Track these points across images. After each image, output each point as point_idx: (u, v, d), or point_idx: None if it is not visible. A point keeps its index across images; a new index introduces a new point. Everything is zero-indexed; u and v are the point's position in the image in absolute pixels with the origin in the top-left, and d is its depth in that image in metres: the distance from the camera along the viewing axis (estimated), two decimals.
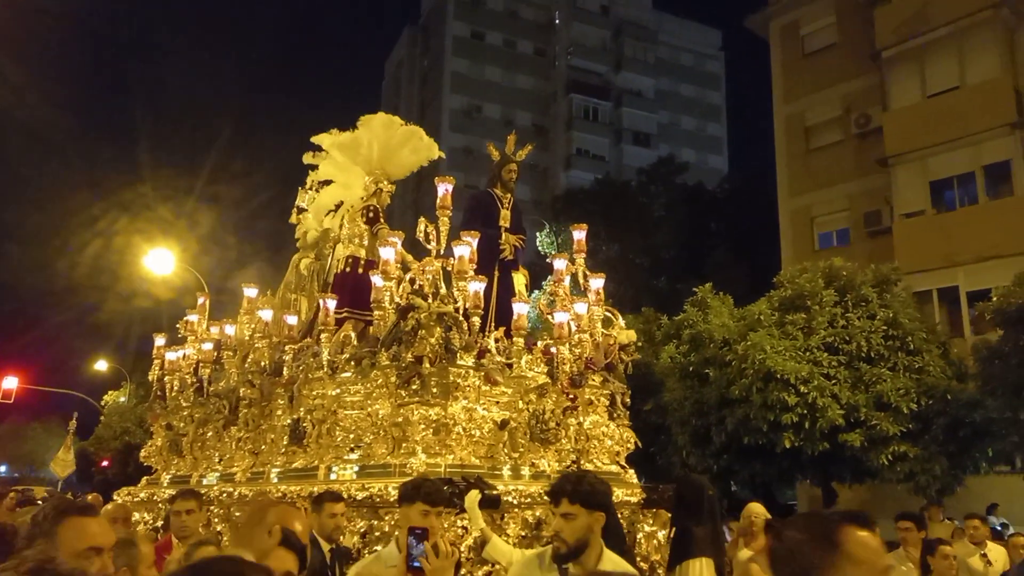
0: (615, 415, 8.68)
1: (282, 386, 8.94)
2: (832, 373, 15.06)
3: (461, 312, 7.96)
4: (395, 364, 7.84)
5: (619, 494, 7.86)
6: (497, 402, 8.14)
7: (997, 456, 16.08)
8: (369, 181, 9.71)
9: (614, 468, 8.62)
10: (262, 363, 9.47)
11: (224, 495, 9.06)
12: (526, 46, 50.41)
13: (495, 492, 7.16)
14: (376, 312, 8.24)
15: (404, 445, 7.69)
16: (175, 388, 10.72)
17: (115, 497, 10.76)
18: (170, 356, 10.80)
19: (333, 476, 8.18)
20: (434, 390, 7.71)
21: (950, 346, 17.12)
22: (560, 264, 8.93)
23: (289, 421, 8.65)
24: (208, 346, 10.23)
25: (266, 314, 9.44)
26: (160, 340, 11.26)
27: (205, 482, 9.98)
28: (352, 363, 8.34)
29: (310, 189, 11.09)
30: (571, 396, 8.37)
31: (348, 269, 9.41)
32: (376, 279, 8.27)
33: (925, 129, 22.60)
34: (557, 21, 52.76)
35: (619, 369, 8.68)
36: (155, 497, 10.25)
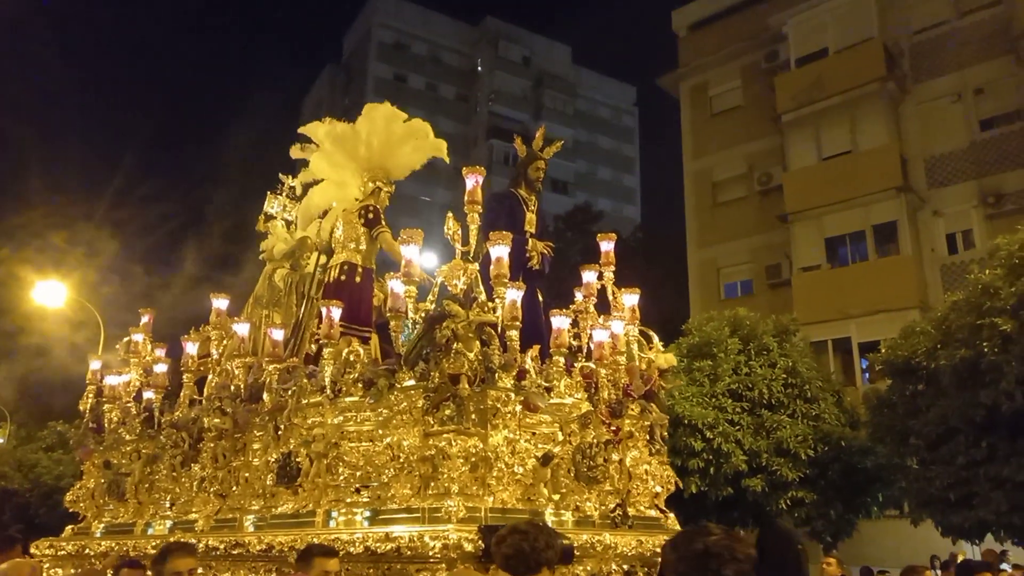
0: (654, 450, 6.96)
1: (265, 414, 6.84)
2: (736, 419, 14.24)
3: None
4: (422, 385, 5.93)
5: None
6: (533, 432, 6.32)
7: (887, 501, 15.56)
8: (366, 179, 7.81)
9: (653, 513, 6.89)
10: (232, 387, 7.32)
11: None
12: (448, 91, 48.70)
13: (567, 542, 5.34)
14: (392, 323, 6.34)
15: (433, 484, 5.76)
16: (115, 419, 8.36)
17: (31, 550, 8.26)
18: (111, 381, 8.44)
19: (333, 523, 6.19)
20: (473, 416, 5.85)
21: (844, 394, 16.54)
22: (590, 276, 7.24)
23: (276, 457, 6.56)
24: (161, 368, 7.99)
25: (242, 329, 7.33)
26: (96, 363, 8.87)
27: (151, 531, 7.69)
28: (360, 385, 6.35)
29: (280, 194, 9.09)
30: (613, 428, 6.63)
31: (344, 277, 7.44)
32: (395, 284, 6.38)
33: (820, 189, 22.28)
34: (479, 68, 51.29)
35: (660, 397, 6.98)
36: (86, 550, 7.86)
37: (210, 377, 7.97)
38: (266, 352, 6.91)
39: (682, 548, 2.40)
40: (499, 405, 5.99)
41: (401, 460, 5.93)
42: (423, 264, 6.73)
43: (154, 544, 7.17)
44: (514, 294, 6.29)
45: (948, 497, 11.81)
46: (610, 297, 7.34)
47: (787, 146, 23.14)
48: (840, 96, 22.42)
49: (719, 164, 24.69)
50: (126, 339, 8.58)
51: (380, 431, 6.23)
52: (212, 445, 7.20)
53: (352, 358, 6.53)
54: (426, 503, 5.74)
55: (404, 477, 5.93)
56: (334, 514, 6.25)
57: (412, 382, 6.04)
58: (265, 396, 6.99)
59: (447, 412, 5.81)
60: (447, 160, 8.14)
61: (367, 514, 6.03)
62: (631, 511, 6.62)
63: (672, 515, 6.99)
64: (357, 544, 5.63)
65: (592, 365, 6.82)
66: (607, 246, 7.42)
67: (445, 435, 5.73)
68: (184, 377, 7.71)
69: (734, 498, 14.12)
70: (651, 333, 7.27)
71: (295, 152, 8.38)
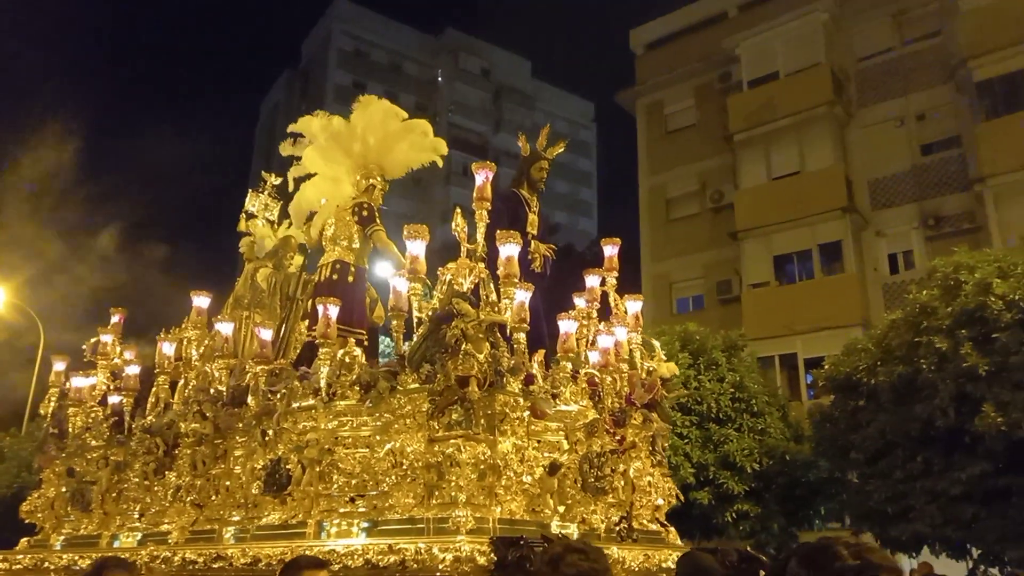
0: (656, 461, 6.59)
1: (251, 418, 6.29)
2: (685, 433, 14.09)
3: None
4: (428, 387, 5.48)
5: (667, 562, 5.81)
6: (538, 440, 5.90)
7: (828, 514, 15.65)
8: (361, 176, 7.31)
9: (654, 527, 6.52)
10: (212, 390, 6.73)
11: (157, 561, 6.25)
12: (408, 100, 47.30)
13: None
14: (395, 322, 5.87)
15: (437, 493, 5.30)
16: (79, 424, 7.67)
17: None
18: (79, 383, 7.75)
19: (324, 535, 5.68)
20: (481, 422, 5.41)
21: (789, 409, 16.58)
22: (593, 281, 6.87)
23: (263, 464, 6.02)
24: (134, 370, 7.35)
25: (226, 328, 6.75)
26: (60, 364, 8.14)
27: (118, 544, 7.05)
28: (356, 388, 5.86)
29: (262, 192, 8.52)
30: (618, 437, 6.25)
31: (336, 277, 6.92)
32: (397, 281, 5.92)
33: (770, 208, 22.38)
34: (440, 79, 50.19)
35: (663, 407, 6.62)
36: (45, 564, 7.17)
37: (182, 380, 7.36)
38: (253, 353, 6.35)
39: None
40: (507, 410, 5.57)
41: (404, 467, 5.46)
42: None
43: (130, 558, 6.55)
44: (523, 295, 5.89)
45: (886, 510, 11.84)
46: (612, 303, 6.98)
47: (739, 165, 23.22)
48: (789, 118, 22.60)
49: (673, 181, 24.66)
50: (93, 340, 7.91)
51: (378, 437, 5.75)
52: (189, 451, 6.61)
53: (348, 359, 6.03)
54: (431, 513, 5.28)
55: (406, 485, 5.46)
56: (326, 525, 5.75)
57: (416, 385, 5.59)
58: (250, 399, 6.45)
59: (454, 416, 5.37)
60: (439, 164, 7.66)
61: (365, 525, 5.54)
62: (636, 524, 6.25)
63: (673, 529, 6.63)
64: (356, 557, 5.14)
65: (595, 372, 6.44)
66: (611, 251, 7.06)
67: (453, 441, 5.28)
68: (159, 379, 7.09)
69: (681, 510, 13.88)
70: (653, 342, 6.93)
71: (285, 149, 7.84)
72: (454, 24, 47.92)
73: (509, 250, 5.87)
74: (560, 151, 7.53)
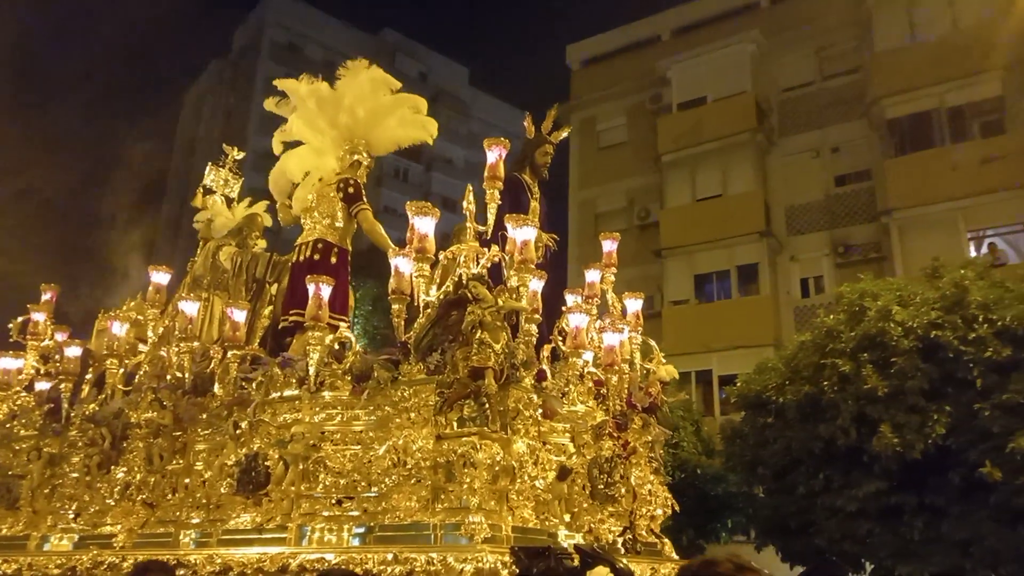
0: (653, 469, 6.05)
1: (219, 409, 5.44)
2: None
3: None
4: (437, 379, 4.78)
5: None
6: (544, 442, 5.28)
7: (736, 527, 15.55)
8: (347, 150, 6.53)
9: (651, 538, 5.97)
10: (169, 377, 5.83)
11: (102, 567, 5.33)
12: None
13: (625, 567, 4.30)
14: (395, 306, 5.14)
15: (443, 497, 4.61)
16: (5, 411, 6.57)
17: None
18: (4, 365, 6.65)
19: (306, 541, 4.90)
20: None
21: (702, 424, 16.63)
22: (593, 276, 6.29)
23: (235, 460, 5.18)
24: (75, 352, 6.34)
25: (190, 307, 5.85)
26: None
27: (49, 547, 6.03)
28: (349, 378, 5.10)
29: (223, 167, 7.62)
30: (622, 441, 5.68)
31: (317, 257, 6.10)
32: (399, 262, 5.19)
33: (693, 228, 22.35)
34: None
35: (664, 411, 6.09)
36: None
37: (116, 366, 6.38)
38: (212, 337, 5.50)
39: None
40: (521, 408, 4.93)
41: (407, 467, 4.74)
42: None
43: (57, 562, 5.58)
44: (537, 284, 5.27)
45: (789, 524, 11.82)
46: (609, 301, 6.42)
47: (665, 185, 23.17)
48: (715, 142, 22.65)
49: (603, 196, 24.43)
50: (21, 319, 6.85)
51: (373, 432, 5.01)
52: (142, 444, 5.69)
53: (338, 346, 5.27)
54: (436, 519, 4.58)
55: (409, 487, 4.74)
56: (307, 530, 4.97)
57: (423, 376, 4.89)
58: (217, 388, 5.59)
59: (466, 412, 4.69)
60: (431, 143, 6.93)
61: (359, 530, 4.79)
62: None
63: (668, 541, 6.08)
64: (355, 566, 4.40)
65: (597, 372, 5.86)
66: (610, 246, 6.51)
67: (467, 439, 4.60)
68: (108, 363, 6.12)
69: None
70: (652, 343, 6.39)
71: (269, 105, 6.97)
72: (392, 25, 46.19)
73: (525, 234, 5.25)
74: (565, 135, 6.94)
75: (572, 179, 24.84)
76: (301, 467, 4.99)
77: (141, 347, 6.87)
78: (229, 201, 7.85)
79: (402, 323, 5.15)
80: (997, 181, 19.42)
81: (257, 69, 42.33)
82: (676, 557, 6.01)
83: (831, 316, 12.04)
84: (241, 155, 7.88)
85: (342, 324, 5.27)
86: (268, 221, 7.46)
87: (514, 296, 4.99)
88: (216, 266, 6.98)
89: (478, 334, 4.76)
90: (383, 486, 4.82)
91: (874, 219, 21.25)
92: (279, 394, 5.24)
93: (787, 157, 22.69)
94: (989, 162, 19.77)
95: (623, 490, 5.56)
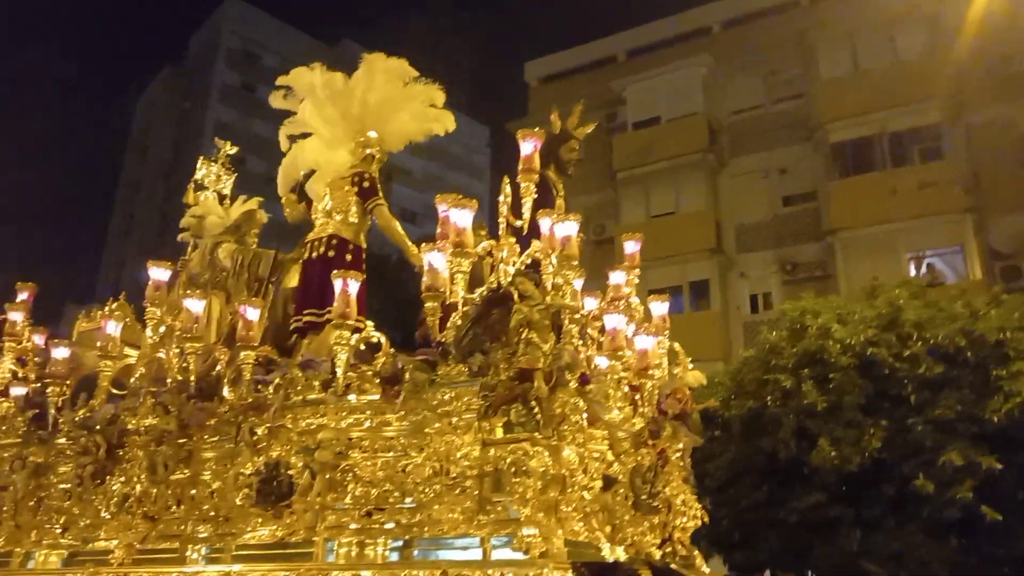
0: (684, 478, 5.71)
1: (231, 414, 4.90)
2: None
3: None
4: (481, 381, 4.36)
5: None
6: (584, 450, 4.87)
7: None
8: (359, 142, 6.05)
9: (684, 552, 5.61)
10: (169, 379, 5.27)
11: None
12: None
13: None
14: (428, 304, 4.70)
15: (488, 508, 4.18)
16: None
17: None
18: None
19: (332, 556, 4.42)
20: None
21: None
22: (619, 277, 5.95)
23: (254, 468, 4.65)
24: (62, 353, 5.70)
25: (195, 305, 5.30)
26: None
27: (33, 564, 5.38)
28: (378, 381, 4.64)
29: (215, 162, 7.05)
30: (658, 449, 5.33)
31: (332, 254, 5.60)
32: (433, 257, 4.76)
33: (646, 244, 21.97)
34: None
35: (694, 418, 5.76)
36: None
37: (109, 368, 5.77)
38: (238, 336, 4.96)
39: None
40: (568, 412, 4.52)
41: (452, 476, 4.29)
42: None
43: None
44: (580, 282, 4.90)
45: (733, 536, 11.79)
46: (634, 303, 6.07)
47: (620, 202, 23.11)
48: (668, 161, 22.71)
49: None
50: None
51: (406, 439, 4.55)
52: (142, 453, 5.10)
53: (365, 347, 4.80)
54: (483, 531, 4.14)
55: (452, 498, 4.28)
56: (332, 544, 4.47)
57: (465, 378, 4.45)
58: (227, 391, 5.05)
59: (513, 417, 4.27)
60: (441, 134, 6.48)
61: (396, 544, 4.31)
62: (671, 547, 5.33)
63: (699, 553, 5.73)
64: None
65: (628, 376, 5.50)
66: (633, 247, 6.18)
67: (517, 445, 4.18)
68: (102, 365, 5.49)
69: None
70: (678, 348, 6.06)
71: (276, 101, 6.42)
72: (352, 36, 44.87)
73: (567, 228, 4.88)
74: (590, 131, 6.61)
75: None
76: (328, 476, 4.49)
77: (128, 350, 6.27)
78: (221, 198, 7.28)
79: (437, 322, 4.71)
80: (934, 205, 19.89)
81: (212, 76, 41.29)
82: (707, 571, 5.66)
83: (774, 333, 12.17)
84: (234, 150, 7.33)
85: (368, 324, 4.79)
86: (265, 217, 6.92)
87: (559, 294, 4.61)
88: (214, 264, 6.41)
89: (524, 333, 4.36)
90: (422, 496, 4.36)
91: (819, 239, 21.51)
92: (301, 398, 4.73)
93: (737, 177, 22.87)
94: (927, 187, 20.23)
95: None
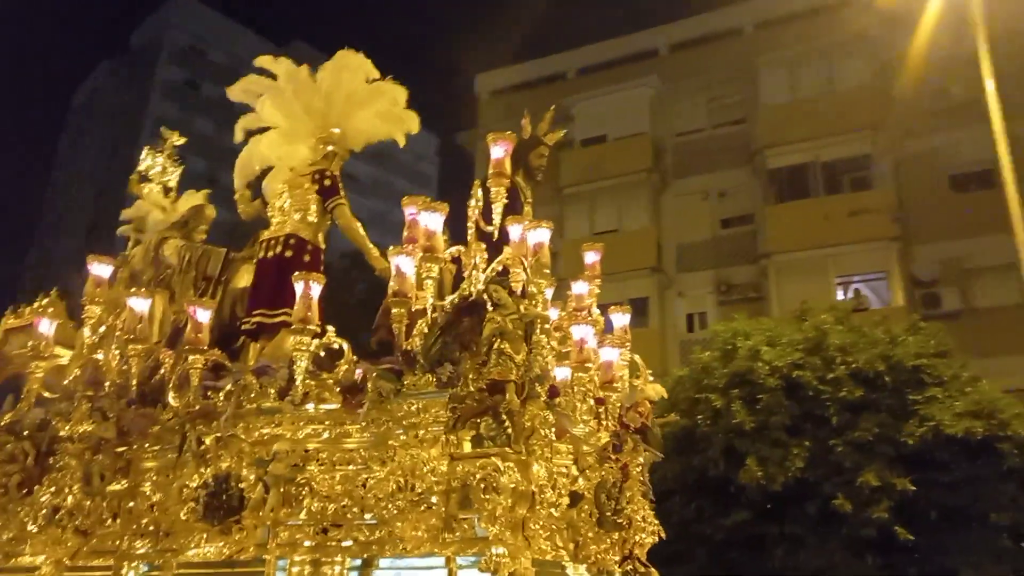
0: (642, 493, 5.55)
1: (175, 421, 4.55)
2: None
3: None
4: (451, 392, 4.12)
5: None
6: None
7: None
8: (321, 139, 5.74)
9: (642, 569, 5.44)
10: (107, 383, 4.88)
11: None
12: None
13: None
14: (395, 310, 4.45)
15: (455, 525, 3.95)
16: None
17: None
18: None
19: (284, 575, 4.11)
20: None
21: None
22: (581, 288, 5.77)
23: (202, 480, 4.31)
24: None
25: (140, 304, 4.91)
26: None
27: None
28: (337, 389, 4.35)
29: (161, 152, 6.64)
30: (620, 464, 5.16)
31: (290, 254, 5.28)
32: (400, 261, 4.51)
33: None
34: None
35: (654, 432, 5.61)
36: None
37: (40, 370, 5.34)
38: (186, 339, 4.61)
39: None
40: (538, 426, 4.31)
41: (418, 491, 4.02)
42: None
43: None
44: (550, 292, 4.70)
45: (663, 552, 11.86)
46: (594, 314, 5.90)
47: (565, 217, 22.96)
48: (613, 180, 22.79)
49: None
50: None
51: (367, 451, 4.26)
52: (75, 462, 4.69)
53: (326, 356, 4.51)
54: (449, 548, 3.90)
55: (417, 515, 4.02)
56: (284, 563, 4.15)
57: (433, 389, 4.20)
58: (170, 398, 4.68)
59: (483, 430, 4.04)
60: (402, 143, 6.22)
61: (355, 563, 4.02)
62: (631, 566, 5.15)
63: (656, 571, 5.57)
64: None
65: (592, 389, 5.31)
66: (593, 257, 6.02)
67: (488, 460, 3.94)
68: (32, 366, 5.05)
69: None
70: (638, 359, 5.92)
71: (234, 94, 6.04)
72: (303, 38, 43.89)
73: (539, 236, 4.70)
74: (560, 137, 6.45)
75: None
76: (283, 490, 4.17)
77: (59, 350, 5.81)
78: (166, 191, 6.86)
79: (403, 329, 4.45)
80: (863, 232, 20.37)
81: (156, 70, 39.86)
82: None
83: (707, 353, 12.32)
84: (181, 141, 6.93)
85: (329, 329, 4.50)
86: (214, 213, 6.54)
87: (533, 303, 4.40)
88: (158, 261, 6.00)
89: (497, 344, 4.14)
90: (384, 512, 4.08)
91: (754, 261, 21.81)
92: (255, 406, 4.40)
93: (679, 198, 23.06)
94: (857, 214, 20.72)
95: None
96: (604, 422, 5.21)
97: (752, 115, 22.47)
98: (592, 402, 5.11)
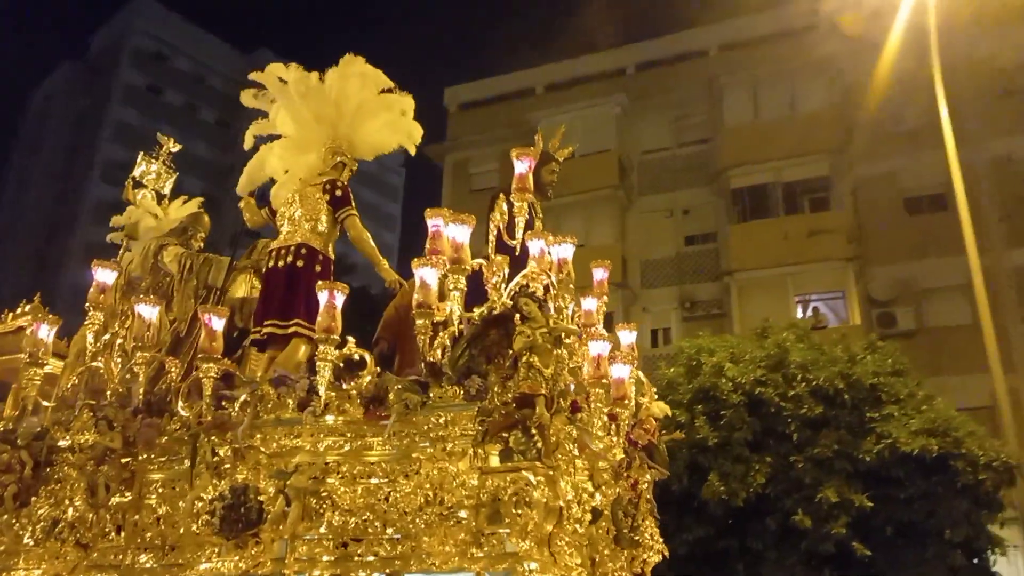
0: (648, 511, 5.50)
1: (185, 433, 4.37)
2: None
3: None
4: (479, 405, 4.04)
5: None
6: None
7: None
8: (331, 148, 5.60)
9: None
10: (108, 392, 4.68)
11: None
12: (209, 114, 41.20)
13: None
14: (420, 321, 4.35)
15: (483, 540, 3.86)
16: None
17: None
18: None
19: None
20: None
21: None
22: (591, 304, 5.73)
23: (216, 493, 4.14)
24: None
25: (148, 311, 4.72)
26: None
27: None
28: (359, 402, 4.24)
29: (156, 159, 6.42)
30: (632, 481, 5.11)
31: (301, 263, 5.12)
32: (424, 272, 4.42)
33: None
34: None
35: (661, 449, 5.57)
36: None
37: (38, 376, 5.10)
38: (200, 347, 4.44)
39: None
40: (563, 441, 4.24)
41: (447, 506, 3.92)
42: None
43: None
44: (572, 306, 4.64)
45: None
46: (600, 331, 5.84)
47: None
48: (579, 195, 22.77)
49: (473, 238, 23.94)
50: None
51: (389, 464, 4.14)
52: (76, 473, 4.48)
53: (346, 365, 4.38)
54: (478, 564, 3.80)
55: (445, 529, 3.91)
56: None
57: (461, 401, 4.11)
58: (180, 407, 4.50)
59: (512, 444, 3.95)
60: (411, 152, 6.11)
61: None
62: None
63: None
64: None
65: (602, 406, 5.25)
66: (601, 274, 5.99)
67: (519, 474, 3.86)
68: (30, 373, 4.81)
69: None
70: (643, 377, 5.88)
71: (246, 99, 5.86)
72: (268, 46, 42.86)
73: (563, 251, 4.64)
74: (568, 154, 6.40)
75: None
76: (301, 506, 4.03)
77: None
78: (160, 197, 6.64)
79: (427, 341, 4.35)
80: (821, 252, 20.76)
81: (117, 75, 38.80)
82: None
83: (672, 369, 12.38)
84: (177, 147, 6.72)
85: (349, 340, 4.37)
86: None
87: (561, 317, 4.34)
88: (157, 268, 5.78)
89: (526, 357, 4.06)
90: (409, 527, 3.96)
91: (717, 278, 22.06)
92: (274, 416, 4.25)
93: (644, 214, 23.25)
94: (815, 234, 21.12)
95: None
96: (615, 438, 5.15)
97: (716, 135, 22.80)
98: (606, 418, 5.04)
